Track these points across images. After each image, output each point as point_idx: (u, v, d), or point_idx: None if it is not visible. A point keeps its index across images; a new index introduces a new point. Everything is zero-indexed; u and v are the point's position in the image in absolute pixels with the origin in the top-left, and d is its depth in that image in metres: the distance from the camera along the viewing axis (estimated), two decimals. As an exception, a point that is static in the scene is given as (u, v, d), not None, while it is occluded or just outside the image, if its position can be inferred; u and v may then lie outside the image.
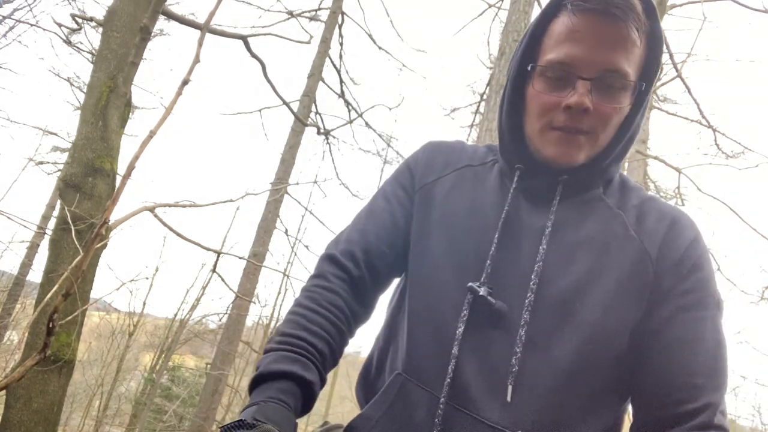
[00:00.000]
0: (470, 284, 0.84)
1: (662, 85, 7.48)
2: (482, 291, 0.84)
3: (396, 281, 1.02)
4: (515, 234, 0.88)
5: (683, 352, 0.80)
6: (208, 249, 4.57)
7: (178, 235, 3.95)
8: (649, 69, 0.86)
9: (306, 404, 0.80)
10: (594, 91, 0.82)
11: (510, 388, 0.79)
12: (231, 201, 4.00)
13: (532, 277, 0.83)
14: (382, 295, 0.99)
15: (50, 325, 1.53)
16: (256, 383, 0.78)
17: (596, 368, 0.81)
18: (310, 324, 0.85)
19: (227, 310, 10.43)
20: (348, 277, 0.93)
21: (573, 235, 0.86)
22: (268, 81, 6.34)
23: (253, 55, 5.81)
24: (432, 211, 0.95)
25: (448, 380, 0.82)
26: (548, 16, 0.87)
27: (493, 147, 1.02)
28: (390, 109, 9.78)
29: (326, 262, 0.95)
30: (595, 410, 0.82)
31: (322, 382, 0.83)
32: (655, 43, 0.85)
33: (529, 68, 0.87)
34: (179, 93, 1.53)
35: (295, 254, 11.92)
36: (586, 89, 0.81)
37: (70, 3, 6.77)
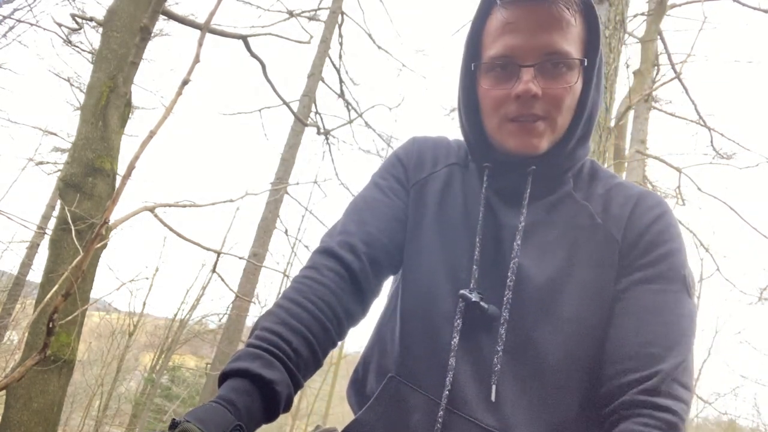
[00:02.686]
0: (462, 292, 0.84)
1: (661, 85, 7.48)
2: (474, 297, 0.84)
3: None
4: (495, 235, 0.88)
5: (637, 322, 0.79)
6: (208, 249, 4.58)
7: (178, 235, 3.95)
8: (591, 44, 0.86)
9: (269, 403, 0.72)
10: (539, 76, 0.82)
11: (494, 387, 0.79)
12: (231, 201, 4.00)
13: (509, 274, 0.83)
14: (380, 291, 0.93)
15: (50, 325, 1.53)
16: (219, 383, 0.73)
17: (582, 362, 0.81)
18: (290, 318, 0.78)
19: (227, 310, 10.45)
20: (346, 271, 0.86)
21: (544, 235, 0.86)
22: (268, 81, 6.33)
23: (253, 55, 5.81)
24: (426, 210, 0.94)
25: (447, 393, 0.81)
26: (483, 14, 0.87)
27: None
28: (390, 109, 9.79)
29: (321, 255, 0.88)
30: (588, 403, 0.81)
31: (294, 380, 0.76)
32: (591, 18, 0.86)
33: (472, 68, 0.88)
34: (179, 93, 1.53)
35: (295, 254, 11.97)
36: (531, 76, 0.82)
37: (70, 3, 6.77)
